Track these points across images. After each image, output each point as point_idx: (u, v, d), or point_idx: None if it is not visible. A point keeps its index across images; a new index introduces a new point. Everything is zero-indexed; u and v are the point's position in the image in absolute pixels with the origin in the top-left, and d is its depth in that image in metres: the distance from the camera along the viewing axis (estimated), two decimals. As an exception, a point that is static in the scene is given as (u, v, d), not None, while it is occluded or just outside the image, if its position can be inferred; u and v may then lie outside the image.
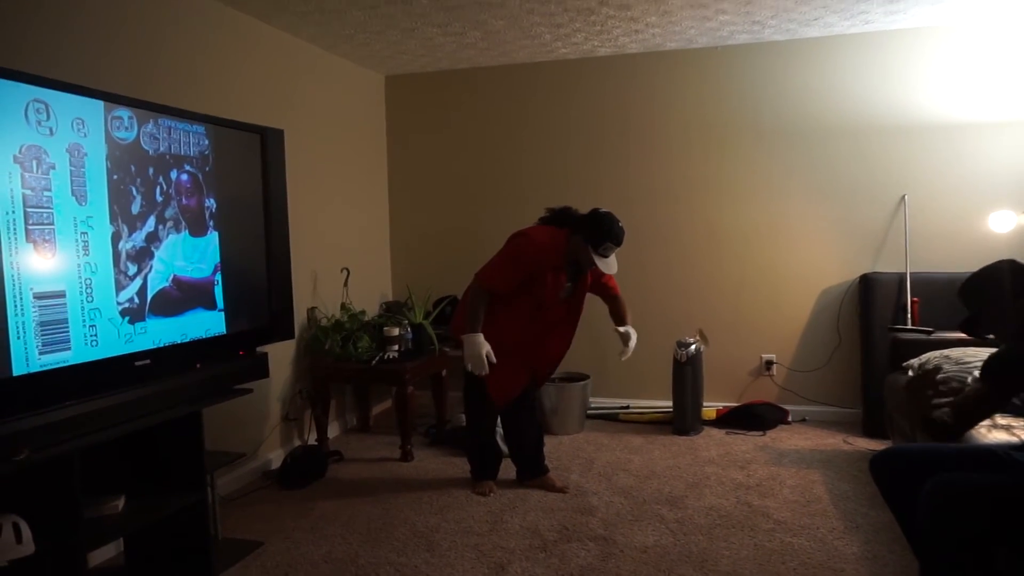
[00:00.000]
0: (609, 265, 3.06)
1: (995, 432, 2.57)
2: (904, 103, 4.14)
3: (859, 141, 4.23)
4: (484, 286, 3.11)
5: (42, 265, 2.00)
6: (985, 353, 3.26)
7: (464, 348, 3.09)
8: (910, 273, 3.99)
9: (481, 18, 3.74)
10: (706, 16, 3.79)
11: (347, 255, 4.38)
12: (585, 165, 4.67)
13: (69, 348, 2.07)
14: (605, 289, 3.37)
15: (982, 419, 2.00)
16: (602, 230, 3.00)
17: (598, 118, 4.62)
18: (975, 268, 4.05)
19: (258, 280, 2.92)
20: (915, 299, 3.94)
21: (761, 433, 4.12)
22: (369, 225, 4.85)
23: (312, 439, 3.98)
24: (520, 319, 3.17)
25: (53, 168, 2.03)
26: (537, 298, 3.12)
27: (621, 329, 3.42)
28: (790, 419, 4.32)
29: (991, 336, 2.02)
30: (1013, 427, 2.59)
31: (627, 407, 4.57)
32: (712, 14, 3.75)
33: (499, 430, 3.54)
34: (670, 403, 4.25)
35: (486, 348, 3.07)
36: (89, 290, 2.14)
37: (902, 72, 4.12)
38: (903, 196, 4.14)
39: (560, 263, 3.10)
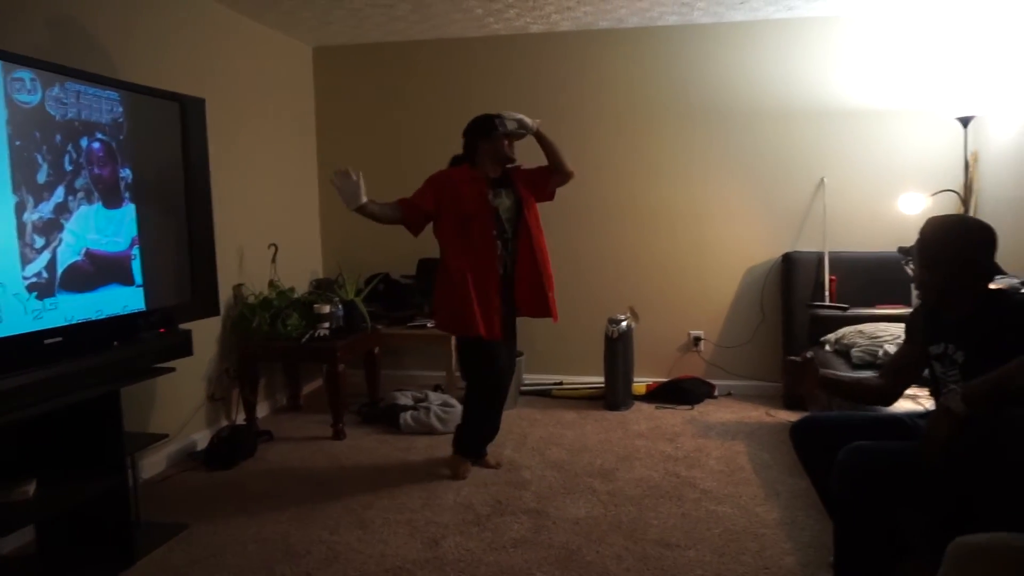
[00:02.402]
0: (517, 124, 3.08)
1: (902, 402, 2.72)
2: (822, 88, 4.29)
3: (781, 124, 4.36)
4: (402, 200, 3.11)
5: (-63, 236, 1.86)
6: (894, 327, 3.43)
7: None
8: (828, 252, 4.17)
9: (413, -11, 3.66)
10: (638, -5, 3.82)
11: (275, 231, 4.25)
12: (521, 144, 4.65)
13: (-30, 325, 1.94)
14: (544, 175, 3.24)
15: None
16: (481, 119, 3.13)
17: (529, 95, 4.59)
18: (887, 248, 4.28)
19: (179, 254, 2.80)
20: (832, 277, 4.12)
21: (689, 407, 4.24)
22: (298, 200, 4.72)
23: (240, 419, 3.88)
24: (469, 246, 3.08)
25: (-53, 132, 1.89)
26: (465, 213, 3.05)
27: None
28: (716, 393, 4.46)
29: (910, 268, 2.16)
30: (918, 396, 2.75)
31: (560, 383, 4.63)
32: (644, -7, 3.78)
33: (432, 405, 3.50)
34: (602, 379, 4.32)
35: (359, 186, 2.95)
36: (-9, 264, 2.01)
37: (821, 58, 4.27)
38: (822, 178, 4.31)
39: (476, 176, 3.11)
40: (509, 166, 3.20)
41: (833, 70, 4.26)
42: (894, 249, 4.05)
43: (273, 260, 4.11)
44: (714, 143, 4.46)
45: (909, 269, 2.17)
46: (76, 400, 2.25)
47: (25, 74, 2.11)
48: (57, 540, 2.55)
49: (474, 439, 3.30)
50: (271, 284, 4.04)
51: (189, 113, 2.82)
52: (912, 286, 2.19)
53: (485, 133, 3.11)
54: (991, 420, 1.78)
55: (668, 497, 2.98)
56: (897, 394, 2.32)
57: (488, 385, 3.19)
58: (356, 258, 4.70)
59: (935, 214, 2.19)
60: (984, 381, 1.79)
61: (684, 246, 4.55)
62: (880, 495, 1.95)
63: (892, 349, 3.18)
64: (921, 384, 2.81)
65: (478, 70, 4.66)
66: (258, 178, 4.16)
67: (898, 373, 2.28)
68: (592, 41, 4.51)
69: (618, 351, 4.22)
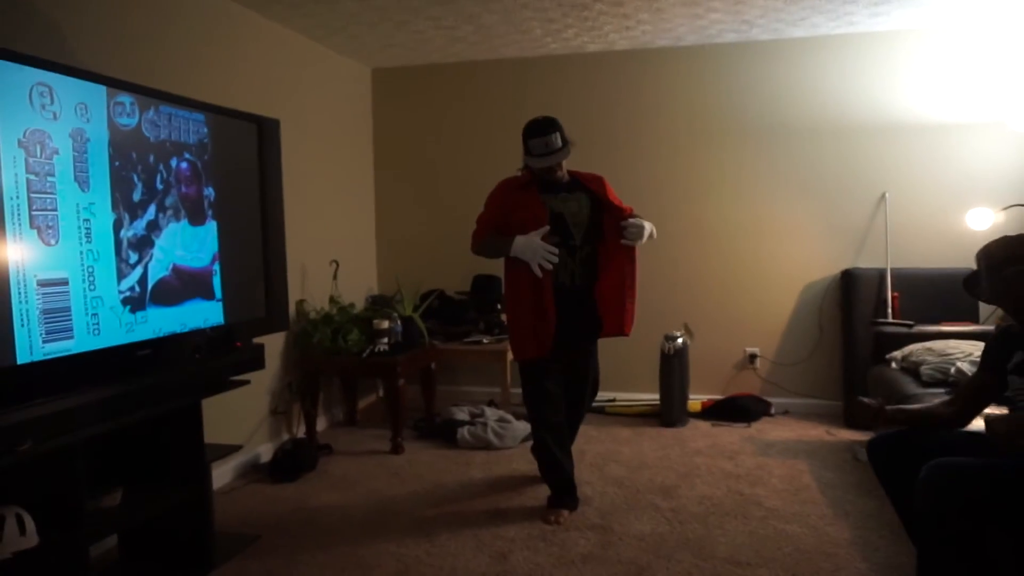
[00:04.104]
0: (550, 150, 2.93)
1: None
2: (885, 103, 4.25)
3: (842, 140, 4.32)
4: (476, 234, 3.04)
5: (45, 252, 1.96)
6: (965, 344, 3.35)
7: (519, 252, 2.83)
8: (890, 268, 4.10)
9: (474, 12, 3.74)
10: (697, 14, 3.84)
11: (334, 248, 4.34)
12: (572, 161, 4.68)
13: (72, 337, 2.03)
14: (614, 216, 3.05)
15: None
16: (524, 133, 2.96)
17: (585, 114, 4.64)
18: (954, 264, 4.19)
19: (254, 270, 2.89)
20: (895, 293, 4.05)
21: (746, 425, 4.19)
22: (355, 218, 4.82)
23: (301, 432, 3.95)
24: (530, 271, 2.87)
25: (56, 153, 1.99)
26: (516, 220, 2.90)
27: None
28: (773, 411, 4.40)
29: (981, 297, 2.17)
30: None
31: (613, 400, 4.61)
32: (703, 12, 3.81)
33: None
34: (656, 396, 4.30)
35: (537, 237, 2.80)
36: (91, 278, 2.10)
37: (884, 73, 4.23)
38: (884, 194, 4.25)
39: (530, 179, 3.01)
40: (577, 173, 3.12)
41: (896, 84, 4.22)
42: (960, 265, 3.97)
43: (334, 277, 4.20)
44: (772, 160, 4.44)
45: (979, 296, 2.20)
46: (164, 410, 2.33)
47: (126, 98, 2.22)
48: (138, 548, 2.63)
49: (556, 480, 3.04)
50: (332, 300, 4.12)
51: (265, 133, 2.92)
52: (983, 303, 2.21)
53: (526, 151, 2.97)
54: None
55: (733, 515, 2.95)
56: (968, 420, 2.32)
57: (539, 414, 2.98)
58: (410, 275, 4.77)
59: (1004, 229, 2.22)
60: None
61: (741, 263, 4.52)
62: (966, 515, 1.91)
63: (964, 366, 3.12)
64: (1000, 403, 2.75)
65: (533, 90, 4.71)
66: (319, 196, 4.27)
67: (969, 400, 2.29)
68: (649, 60, 4.54)
69: (674, 368, 4.20)
